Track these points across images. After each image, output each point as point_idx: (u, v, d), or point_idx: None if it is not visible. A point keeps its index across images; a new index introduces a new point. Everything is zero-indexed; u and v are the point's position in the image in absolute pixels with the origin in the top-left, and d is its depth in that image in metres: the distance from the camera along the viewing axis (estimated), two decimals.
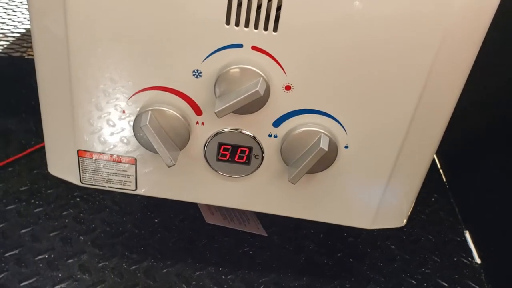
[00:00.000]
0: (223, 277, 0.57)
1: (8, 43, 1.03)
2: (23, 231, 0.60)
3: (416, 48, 0.37)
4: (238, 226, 0.63)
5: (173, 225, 0.64)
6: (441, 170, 0.78)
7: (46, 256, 0.58)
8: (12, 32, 1.07)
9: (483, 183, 0.68)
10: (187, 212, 0.66)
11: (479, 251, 0.64)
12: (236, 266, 0.59)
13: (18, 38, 1.05)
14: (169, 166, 0.41)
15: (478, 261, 0.63)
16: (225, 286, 0.56)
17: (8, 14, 1.15)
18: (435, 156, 0.80)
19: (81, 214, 0.65)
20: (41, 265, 0.56)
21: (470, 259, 0.63)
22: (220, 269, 0.58)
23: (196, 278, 0.57)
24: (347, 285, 0.58)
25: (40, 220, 0.63)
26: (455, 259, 0.63)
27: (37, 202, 0.66)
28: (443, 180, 0.77)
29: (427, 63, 0.38)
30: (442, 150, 0.79)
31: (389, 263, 0.61)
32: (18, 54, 1.00)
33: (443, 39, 0.37)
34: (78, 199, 0.67)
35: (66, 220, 0.63)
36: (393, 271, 0.60)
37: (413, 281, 0.59)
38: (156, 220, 0.65)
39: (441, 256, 0.63)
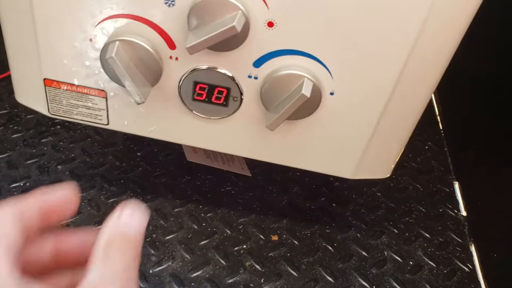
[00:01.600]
0: (202, 215, 0.56)
1: None
2: None
3: None
4: (221, 165, 0.61)
5: (156, 159, 0.62)
6: (438, 117, 0.75)
7: (21, 184, 0.56)
8: None
9: (480, 135, 0.65)
10: (172, 147, 0.63)
11: (466, 204, 0.62)
12: (217, 205, 0.58)
13: None
14: (138, 103, 0.38)
15: (464, 213, 0.62)
16: (204, 224, 0.55)
17: None
18: (434, 103, 0.76)
19: (61, 143, 0.63)
20: (15, 193, 0.55)
21: (455, 211, 0.62)
22: (200, 206, 0.57)
23: (175, 215, 0.56)
24: (327, 230, 0.57)
25: (17, 147, 0.61)
26: (441, 210, 0.62)
27: (15, 128, 0.64)
28: (439, 128, 0.74)
29: (423, 10, 0.34)
30: (443, 97, 0.76)
31: (373, 211, 0.60)
32: None
33: None
34: (58, 127, 0.65)
35: (45, 148, 0.62)
36: (376, 219, 0.59)
37: (394, 230, 0.58)
38: (138, 154, 0.63)
39: (427, 206, 0.62)
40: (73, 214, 0.28)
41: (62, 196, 0.27)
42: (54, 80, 0.43)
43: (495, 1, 0.47)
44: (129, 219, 0.26)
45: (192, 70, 0.40)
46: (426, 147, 0.70)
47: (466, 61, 0.55)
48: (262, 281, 0.51)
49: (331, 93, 0.40)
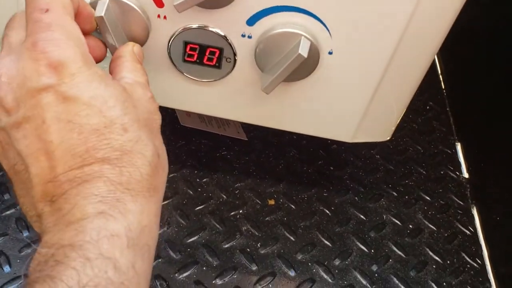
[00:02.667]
0: (197, 180, 0.55)
1: None
2: None
3: None
4: (216, 129, 0.59)
5: None
6: (440, 77, 0.73)
7: None
8: None
9: (484, 95, 0.63)
10: (165, 111, 0.61)
11: (468, 165, 0.61)
12: (212, 170, 0.56)
13: None
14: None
15: (466, 175, 0.60)
16: (199, 189, 0.54)
17: None
18: (437, 62, 0.74)
19: None
20: None
21: (457, 173, 0.61)
22: (195, 172, 0.56)
23: (169, 180, 0.55)
24: (325, 194, 0.56)
25: None
26: (442, 172, 0.61)
27: None
28: (441, 87, 0.72)
29: None
30: (446, 56, 0.73)
31: (371, 173, 0.59)
32: None
33: None
34: None
35: None
36: (375, 182, 0.58)
37: (394, 193, 0.57)
38: None
39: (427, 169, 0.61)
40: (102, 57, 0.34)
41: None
42: None
43: None
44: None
45: (181, 30, 0.37)
46: (428, 107, 0.68)
47: (471, 20, 0.52)
48: (259, 245, 0.50)
49: (330, 53, 0.38)
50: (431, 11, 0.35)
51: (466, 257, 0.52)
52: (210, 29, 0.37)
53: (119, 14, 0.35)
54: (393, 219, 0.54)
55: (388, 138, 0.46)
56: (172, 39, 0.38)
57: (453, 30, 0.38)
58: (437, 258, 0.51)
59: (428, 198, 0.57)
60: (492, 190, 0.57)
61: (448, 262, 0.51)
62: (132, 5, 0.35)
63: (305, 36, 0.36)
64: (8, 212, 0.49)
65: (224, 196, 0.54)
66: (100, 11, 0.34)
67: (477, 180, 0.59)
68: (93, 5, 0.35)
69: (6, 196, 0.50)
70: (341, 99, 0.41)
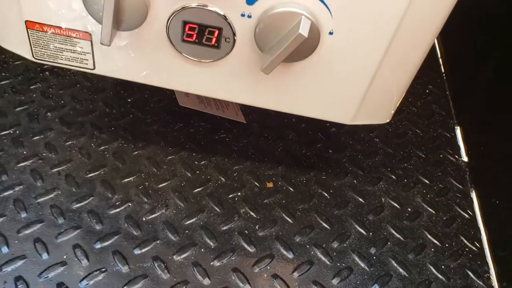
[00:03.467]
0: (196, 162, 0.55)
1: None
2: None
3: None
4: (215, 111, 0.59)
5: (147, 106, 0.60)
6: (440, 60, 0.72)
7: (11, 131, 0.55)
8: None
9: (484, 79, 0.62)
10: (164, 93, 0.61)
11: (468, 149, 0.61)
12: (211, 152, 0.56)
13: None
14: (102, 44, 0.36)
15: (465, 159, 0.60)
16: (198, 172, 0.54)
17: None
18: (436, 45, 0.73)
19: (50, 89, 0.60)
20: (5, 141, 0.53)
21: (456, 157, 0.61)
22: (194, 154, 0.56)
23: (168, 163, 0.55)
24: (323, 177, 0.56)
25: (6, 94, 0.59)
26: (441, 156, 0.60)
27: (3, 74, 0.61)
28: (441, 70, 0.71)
29: None
30: (446, 38, 0.72)
31: (370, 156, 0.59)
32: None
33: None
34: (47, 73, 0.63)
35: (34, 95, 0.59)
36: (373, 165, 0.58)
37: (392, 176, 0.57)
38: (129, 100, 0.61)
39: (427, 152, 0.60)
40: None
41: None
42: (37, 23, 0.40)
43: None
44: None
45: (180, 9, 0.37)
46: (427, 91, 0.68)
47: (471, 2, 0.52)
48: (257, 227, 0.50)
49: (330, 33, 0.37)
50: None
51: (464, 240, 0.52)
52: (209, 8, 0.37)
53: None
54: (392, 202, 0.55)
55: (388, 120, 0.46)
56: (170, 18, 0.37)
57: (453, 12, 0.37)
58: (435, 241, 0.52)
59: (427, 182, 0.57)
60: (491, 174, 0.57)
61: (447, 245, 0.52)
62: None
63: (306, 16, 0.36)
64: (5, 194, 0.48)
65: (223, 179, 0.54)
66: None
67: (476, 163, 0.59)
68: None
69: (4, 177, 0.50)
70: (341, 81, 0.40)
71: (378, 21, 0.36)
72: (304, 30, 0.35)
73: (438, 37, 0.74)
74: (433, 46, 0.73)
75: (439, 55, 0.73)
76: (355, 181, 0.56)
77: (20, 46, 0.43)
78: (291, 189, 0.54)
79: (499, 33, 0.60)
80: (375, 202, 0.54)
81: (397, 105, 0.45)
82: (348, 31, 0.37)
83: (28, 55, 0.44)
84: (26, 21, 0.40)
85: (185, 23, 0.38)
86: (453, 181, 0.58)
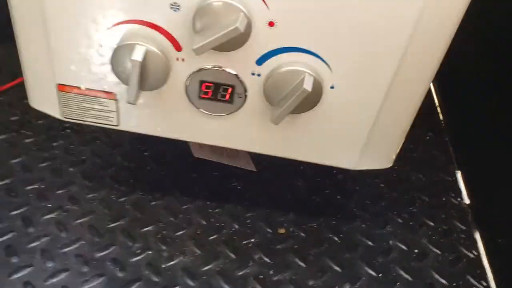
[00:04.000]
0: (210, 210, 0.58)
1: None
2: (14, 161, 0.61)
3: None
4: (227, 161, 0.62)
5: (163, 158, 0.64)
6: (438, 108, 0.76)
7: (37, 186, 0.58)
8: None
9: (481, 124, 0.66)
10: (178, 145, 0.65)
11: (469, 192, 0.64)
12: (224, 200, 0.59)
13: None
14: (129, 103, 0.40)
15: (467, 201, 0.63)
16: (212, 219, 0.57)
17: None
18: (433, 94, 0.78)
19: (71, 146, 0.64)
20: (31, 195, 0.57)
21: (459, 200, 0.63)
22: (208, 203, 0.59)
23: (184, 211, 0.58)
24: (333, 222, 0.58)
25: (30, 151, 0.63)
26: (444, 199, 0.63)
27: (27, 133, 0.65)
28: (439, 118, 0.75)
29: (418, 4, 0.35)
30: (441, 87, 0.77)
31: (377, 201, 0.62)
32: None
33: None
34: (68, 130, 0.67)
35: (57, 151, 0.63)
36: (380, 209, 0.61)
37: (399, 220, 0.60)
38: (146, 153, 0.65)
39: (430, 196, 0.63)
40: None
41: None
42: (67, 85, 0.45)
43: None
44: None
45: (198, 70, 0.41)
46: (427, 138, 0.72)
47: (463, 50, 0.56)
48: (271, 272, 0.52)
49: (332, 87, 0.41)
50: (424, 44, 0.39)
51: (471, 279, 0.54)
52: (223, 69, 0.41)
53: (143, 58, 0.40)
54: (399, 244, 0.57)
55: (391, 165, 0.49)
56: (189, 78, 0.42)
57: (447, 60, 0.41)
58: (443, 281, 0.53)
59: (432, 224, 0.60)
60: (493, 215, 0.59)
61: (454, 284, 0.53)
62: (155, 49, 0.39)
63: (309, 73, 0.40)
64: (32, 245, 0.51)
65: (236, 226, 0.57)
66: (138, 56, 0.38)
67: (478, 205, 0.61)
68: (120, 49, 0.40)
69: (31, 230, 0.53)
70: (344, 128, 0.44)
71: (375, 74, 0.41)
72: (308, 86, 0.39)
73: (434, 85, 0.78)
74: (431, 95, 0.78)
75: (436, 104, 0.77)
76: (363, 225, 0.59)
77: (51, 107, 0.48)
78: (302, 234, 0.56)
79: (496, 78, 0.64)
80: (383, 245, 0.57)
81: (398, 150, 0.49)
82: (347, 85, 0.41)
83: (57, 115, 0.48)
84: (57, 84, 0.45)
85: (202, 82, 0.42)
86: (456, 222, 0.60)
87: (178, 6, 0.37)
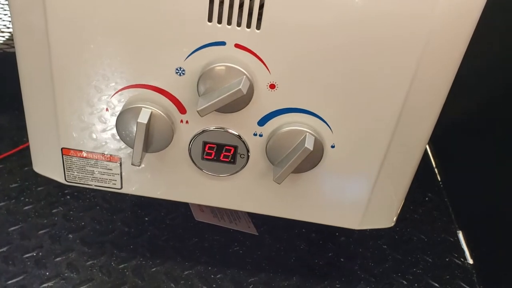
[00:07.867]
0: (212, 276, 0.57)
1: (3, 38, 1.02)
2: (12, 228, 0.60)
3: (401, 48, 0.37)
4: (228, 224, 0.62)
5: (163, 223, 0.64)
6: (435, 169, 0.78)
7: (34, 254, 0.57)
8: (8, 28, 1.06)
9: (477, 183, 0.67)
10: (178, 210, 0.65)
11: (472, 251, 0.63)
12: (226, 265, 0.58)
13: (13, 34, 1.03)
14: (133, 165, 0.41)
15: (471, 261, 0.62)
16: (214, 285, 0.56)
17: (5, 10, 1.14)
18: (430, 155, 0.79)
19: (71, 212, 0.64)
20: (28, 263, 0.56)
21: (462, 260, 0.62)
22: (210, 268, 0.58)
23: (185, 277, 0.56)
24: (337, 285, 0.57)
25: (29, 218, 0.62)
26: (447, 259, 0.62)
27: (27, 200, 0.65)
28: (437, 179, 0.76)
29: (413, 63, 0.37)
30: (437, 149, 0.78)
31: (381, 263, 0.61)
32: (13, 50, 0.99)
33: (427, 40, 0.36)
34: (68, 197, 0.67)
35: (56, 218, 0.63)
36: (384, 271, 0.60)
37: (404, 281, 0.59)
38: (146, 218, 0.64)
39: (433, 256, 0.63)
40: None
41: None
42: (71, 149, 0.45)
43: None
44: None
45: (201, 132, 0.42)
46: (427, 199, 0.72)
47: (458, 109, 0.58)
48: None
49: (332, 146, 0.42)
50: (419, 105, 0.40)
51: None
52: (226, 130, 0.42)
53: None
54: None
55: (393, 224, 0.49)
56: (192, 140, 0.43)
57: (441, 120, 0.43)
58: None
59: (437, 285, 0.58)
60: (497, 273, 0.58)
61: None
62: (160, 112, 0.40)
63: (310, 133, 0.41)
64: None
65: None
66: (144, 118, 0.40)
67: (482, 264, 0.61)
68: (131, 111, 0.41)
69: None
70: (346, 188, 0.45)
71: (373, 134, 0.42)
72: (309, 145, 0.40)
73: (430, 147, 0.80)
74: (428, 158, 0.79)
75: (434, 165, 0.78)
76: (368, 287, 0.57)
77: (54, 171, 0.48)
78: None
79: (490, 139, 0.65)
80: None
81: (399, 210, 0.49)
82: (347, 144, 0.42)
83: (60, 179, 0.48)
84: (62, 148, 0.46)
85: (205, 143, 0.43)
86: (461, 283, 0.59)
87: (183, 70, 0.39)
